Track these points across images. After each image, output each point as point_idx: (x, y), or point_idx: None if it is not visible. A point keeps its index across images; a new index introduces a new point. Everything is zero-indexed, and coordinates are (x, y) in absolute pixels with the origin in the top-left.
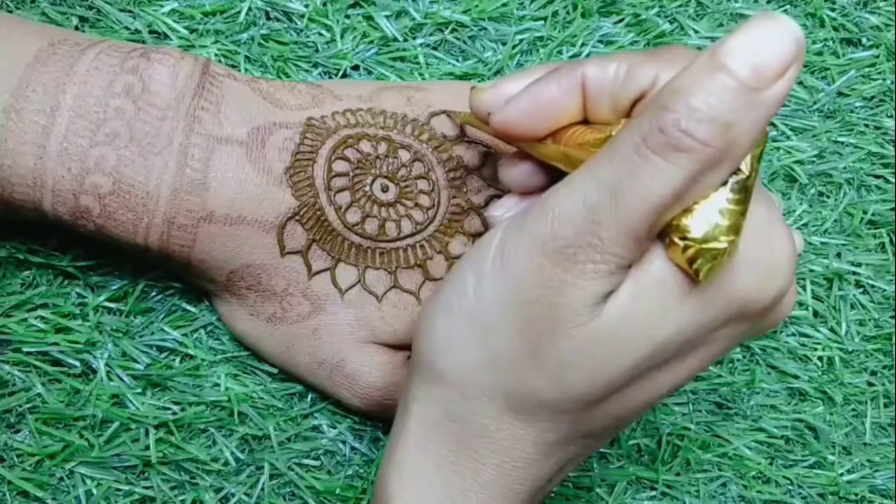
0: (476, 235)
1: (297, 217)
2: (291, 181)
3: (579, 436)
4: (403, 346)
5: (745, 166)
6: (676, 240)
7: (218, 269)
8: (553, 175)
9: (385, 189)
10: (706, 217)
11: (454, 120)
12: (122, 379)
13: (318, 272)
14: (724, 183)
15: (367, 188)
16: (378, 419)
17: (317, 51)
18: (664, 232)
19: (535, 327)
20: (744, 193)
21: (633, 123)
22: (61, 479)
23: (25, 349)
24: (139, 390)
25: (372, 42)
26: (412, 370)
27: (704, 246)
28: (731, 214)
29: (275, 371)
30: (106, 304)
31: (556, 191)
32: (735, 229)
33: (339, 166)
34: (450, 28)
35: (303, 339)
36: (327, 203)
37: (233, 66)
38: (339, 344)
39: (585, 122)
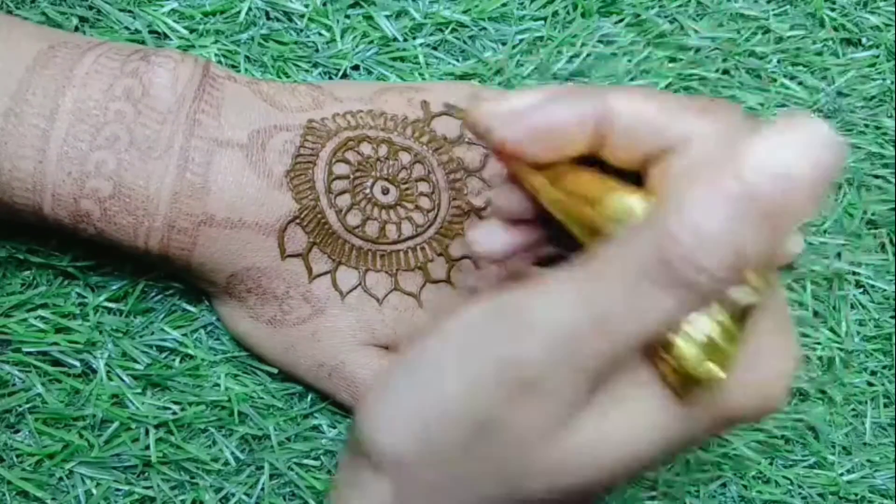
0: None
1: (298, 220)
2: (292, 184)
3: None
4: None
5: (758, 283)
6: (665, 356)
7: (218, 272)
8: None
9: (385, 191)
10: (701, 337)
11: (453, 114)
12: (122, 379)
13: (318, 275)
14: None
15: (368, 191)
16: None
17: (317, 51)
18: (650, 345)
19: (494, 445)
20: (749, 316)
21: (636, 243)
22: (61, 479)
23: (25, 349)
24: (139, 390)
25: (372, 42)
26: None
27: (696, 371)
28: (729, 337)
29: (275, 371)
30: (106, 304)
31: (532, 300)
32: (731, 355)
33: (340, 169)
34: (450, 28)
35: (303, 341)
36: (328, 206)
37: (233, 66)
38: (340, 346)
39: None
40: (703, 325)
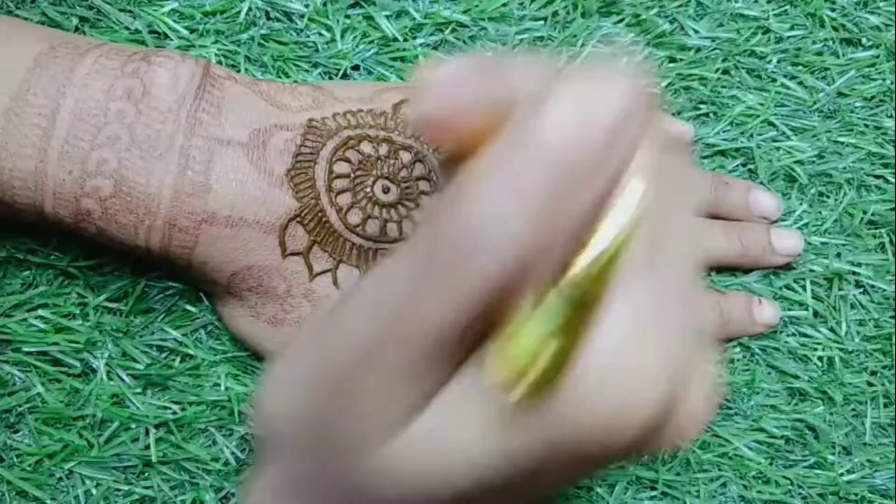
0: None
1: (299, 218)
2: (292, 183)
3: None
4: None
5: (582, 271)
6: (489, 360)
7: (220, 270)
8: None
9: (386, 190)
10: (524, 336)
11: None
12: (122, 379)
13: (319, 273)
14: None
15: (369, 189)
16: None
17: (317, 51)
18: (479, 344)
19: (326, 448)
20: (575, 309)
21: (437, 217)
22: (60, 479)
23: (25, 349)
24: (139, 390)
25: (372, 42)
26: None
27: (521, 370)
28: (558, 332)
29: None
30: (106, 304)
31: (359, 284)
32: (562, 354)
33: (341, 167)
34: (450, 28)
35: None
36: (328, 204)
37: (233, 67)
38: None
39: None
40: (530, 324)
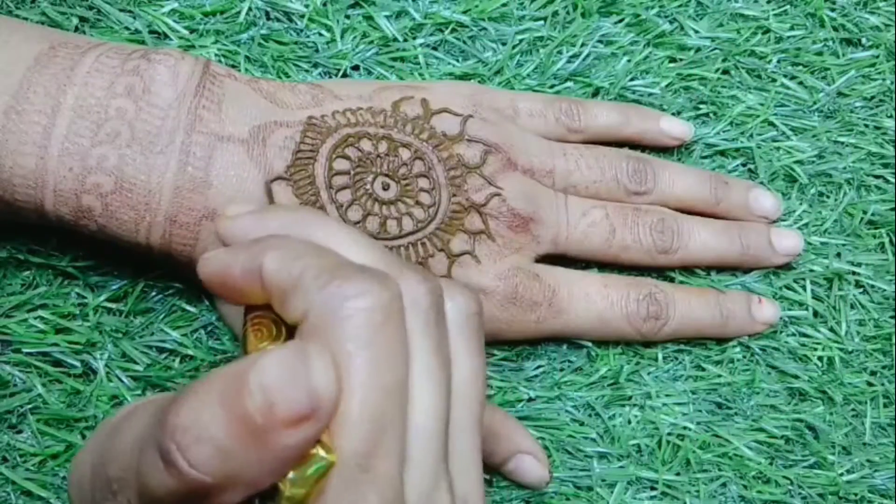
0: (477, 234)
1: None
2: (292, 179)
3: None
4: None
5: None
6: None
7: None
8: None
9: (386, 187)
10: None
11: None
12: (121, 380)
13: None
14: None
15: (368, 186)
16: None
17: (317, 51)
18: None
19: None
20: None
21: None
22: (64, 478)
23: (26, 350)
24: (139, 392)
25: (372, 42)
26: None
27: None
28: None
29: None
30: (106, 304)
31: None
32: None
33: (340, 165)
34: (450, 28)
35: None
36: (328, 201)
37: (233, 66)
38: None
39: None
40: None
